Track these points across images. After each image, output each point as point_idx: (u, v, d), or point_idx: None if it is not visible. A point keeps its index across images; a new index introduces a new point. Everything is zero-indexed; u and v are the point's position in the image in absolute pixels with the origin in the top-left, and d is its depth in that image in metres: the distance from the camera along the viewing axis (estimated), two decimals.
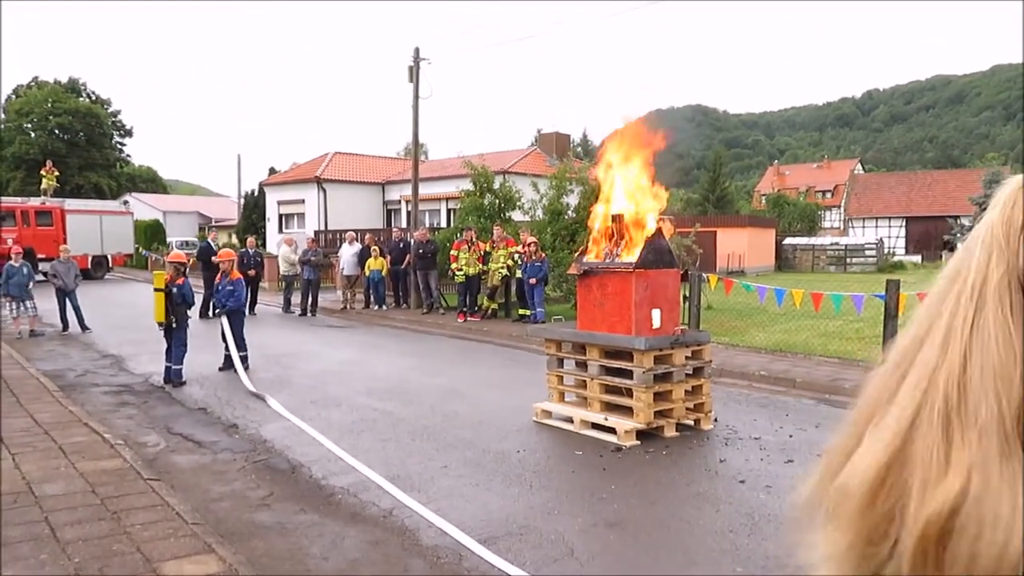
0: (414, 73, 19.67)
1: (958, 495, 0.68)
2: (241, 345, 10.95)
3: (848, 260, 41.68)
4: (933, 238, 52.14)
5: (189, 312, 10.71)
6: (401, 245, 19.54)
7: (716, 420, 8.03)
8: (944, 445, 0.71)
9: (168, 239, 41.60)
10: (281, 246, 21.47)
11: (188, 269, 10.88)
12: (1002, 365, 0.71)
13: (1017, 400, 0.70)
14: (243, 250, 19.16)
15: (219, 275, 11.49)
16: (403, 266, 19.33)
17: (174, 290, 10.12)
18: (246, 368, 10.67)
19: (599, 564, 4.69)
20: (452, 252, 17.04)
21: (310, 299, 19.10)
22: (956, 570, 0.66)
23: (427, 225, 24.89)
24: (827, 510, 0.77)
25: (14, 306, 14.53)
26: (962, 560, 0.66)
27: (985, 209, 0.85)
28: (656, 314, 7.51)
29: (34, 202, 30.41)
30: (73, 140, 52.48)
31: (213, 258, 17.28)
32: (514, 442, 7.37)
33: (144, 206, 51.21)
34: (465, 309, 16.92)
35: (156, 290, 10.18)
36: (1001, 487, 0.66)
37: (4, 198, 32.80)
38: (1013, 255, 0.74)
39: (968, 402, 0.71)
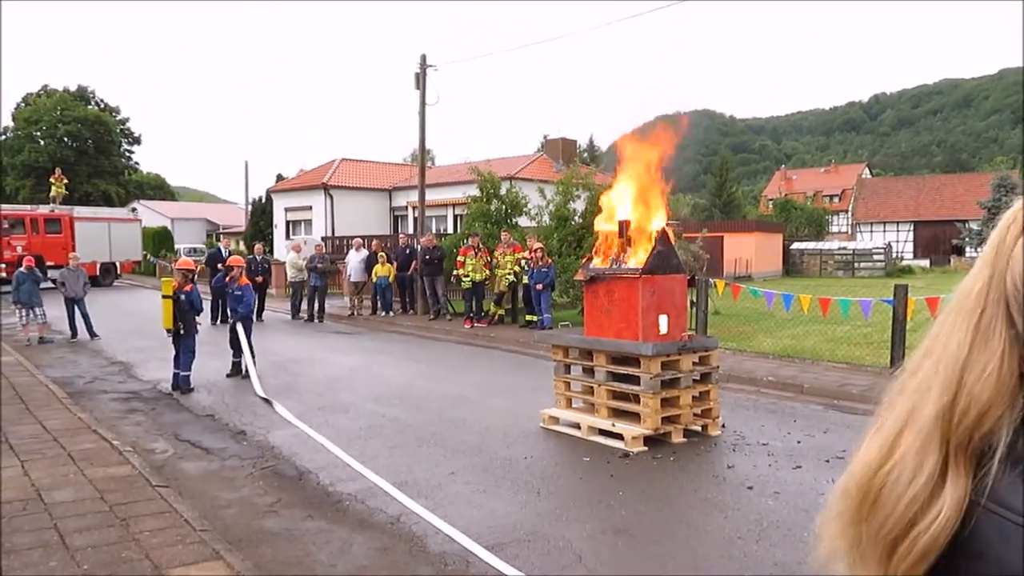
0: (421, 80, 19.72)
1: (873, 469, 0.83)
2: (243, 351, 10.98)
3: (856, 265, 41.50)
4: (941, 242, 51.93)
5: (199, 319, 10.74)
6: (407, 251, 19.57)
7: (724, 426, 8.01)
8: (897, 439, 0.83)
9: (176, 246, 41.77)
10: (289, 252, 21.54)
11: (196, 276, 10.92)
12: (948, 374, 0.80)
13: (947, 403, 0.79)
14: (250, 257, 19.23)
15: (227, 279, 11.51)
16: (409, 272, 19.37)
17: (182, 297, 10.16)
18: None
19: (607, 571, 4.68)
20: (459, 258, 17.04)
21: (317, 305, 19.17)
22: (875, 522, 0.81)
23: (434, 231, 24.94)
24: (832, 509, 0.87)
25: (24, 313, 14.61)
26: (877, 520, 0.81)
27: (994, 213, 0.90)
28: (663, 320, 7.50)
29: (43, 210, 30.58)
30: (82, 148, 52.85)
31: (220, 265, 17.38)
32: (521, 448, 7.37)
33: (152, 213, 51.40)
34: (472, 315, 16.92)
35: (164, 297, 10.21)
36: (911, 474, 0.79)
37: (14, 206, 33.03)
38: (1000, 275, 0.81)
39: (922, 404, 0.82)
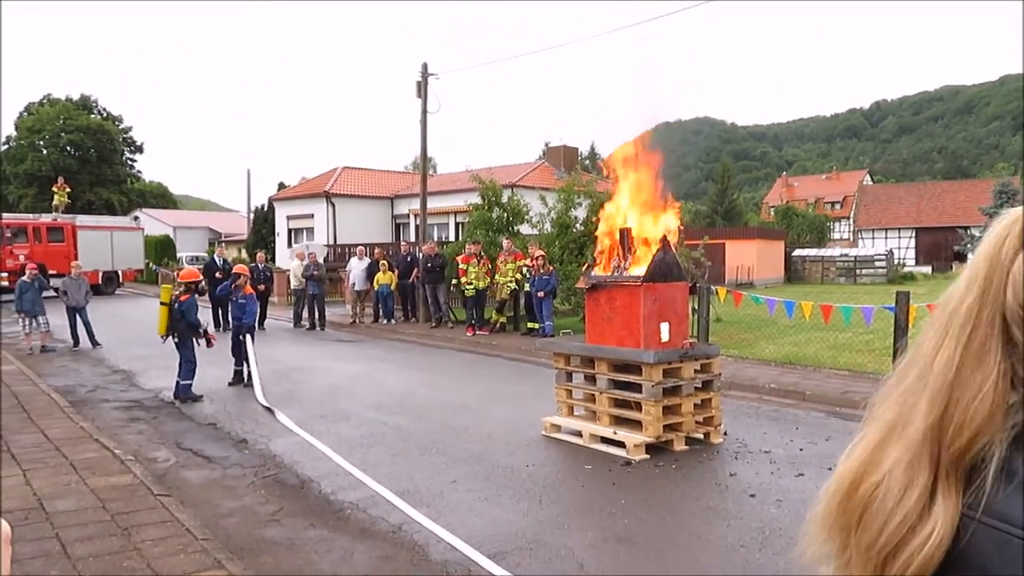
0: (422, 88, 19.79)
1: (857, 477, 0.84)
2: (247, 360, 10.99)
3: (858, 271, 41.48)
4: (943, 249, 51.90)
5: (213, 331, 10.76)
6: (409, 259, 19.59)
7: (726, 433, 7.99)
8: (880, 448, 0.84)
9: (179, 254, 41.83)
10: (292, 260, 21.58)
11: (199, 287, 10.91)
12: (936, 391, 0.80)
13: (936, 421, 0.79)
14: (252, 265, 19.26)
15: (232, 286, 11.53)
16: (411, 280, 19.37)
17: (175, 305, 10.17)
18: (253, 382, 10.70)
19: None
20: (461, 266, 17.04)
21: (317, 313, 19.17)
22: (865, 537, 0.81)
23: (435, 239, 24.96)
24: (817, 511, 0.89)
25: (26, 322, 14.63)
26: (867, 536, 0.81)
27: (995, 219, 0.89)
28: (665, 327, 7.50)
29: (46, 218, 30.63)
30: (84, 156, 52.90)
31: (217, 274, 17.42)
32: (523, 456, 7.36)
33: (154, 222, 51.58)
34: (474, 323, 16.92)
35: (161, 304, 10.25)
36: (900, 491, 0.80)
37: (17, 215, 33.10)
38: (996, 291, 0.79)
39: (909, 418, 0.82)
